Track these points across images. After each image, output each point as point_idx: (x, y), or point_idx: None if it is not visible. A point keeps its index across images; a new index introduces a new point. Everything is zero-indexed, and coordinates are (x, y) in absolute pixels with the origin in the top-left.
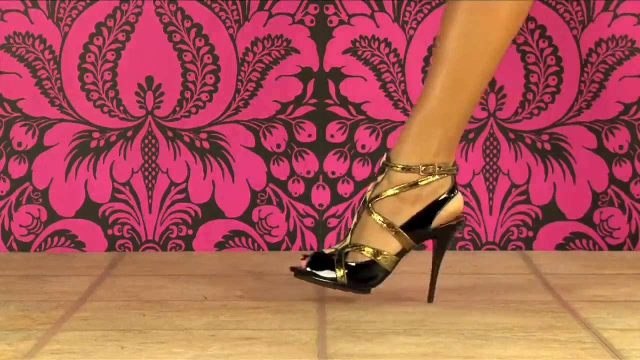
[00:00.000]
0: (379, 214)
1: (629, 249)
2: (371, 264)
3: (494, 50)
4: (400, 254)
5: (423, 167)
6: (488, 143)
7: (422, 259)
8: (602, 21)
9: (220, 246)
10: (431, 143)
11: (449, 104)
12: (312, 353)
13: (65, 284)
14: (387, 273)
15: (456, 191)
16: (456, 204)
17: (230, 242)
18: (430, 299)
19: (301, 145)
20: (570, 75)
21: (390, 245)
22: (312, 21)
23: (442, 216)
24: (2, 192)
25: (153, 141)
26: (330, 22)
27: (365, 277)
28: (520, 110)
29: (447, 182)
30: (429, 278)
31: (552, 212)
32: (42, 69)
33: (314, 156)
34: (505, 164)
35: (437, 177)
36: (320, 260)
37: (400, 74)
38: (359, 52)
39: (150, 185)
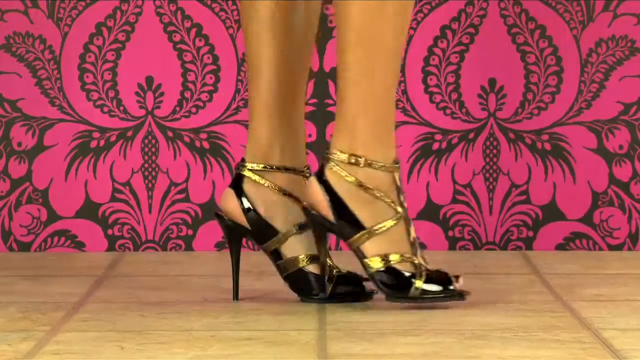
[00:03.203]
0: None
1: (629, 249)
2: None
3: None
4: None
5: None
6: (488, 143)
7: None
8: (602, 21)
9: (220, 246)
10: None
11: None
12: (312, 353)
13: (65, 285)
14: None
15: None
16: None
17: None
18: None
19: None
20: (570, 75)
21: None
22: None
23: None
24: (2, 192)
25: (153, 141)
26: (330, 22)
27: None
28: (520, 110)
29: None
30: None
31: (552, 212)
32: (42, 69)
33: (314, 156)
34: (505, 164)
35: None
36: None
37: (400, 74)
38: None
39: (150, 185)
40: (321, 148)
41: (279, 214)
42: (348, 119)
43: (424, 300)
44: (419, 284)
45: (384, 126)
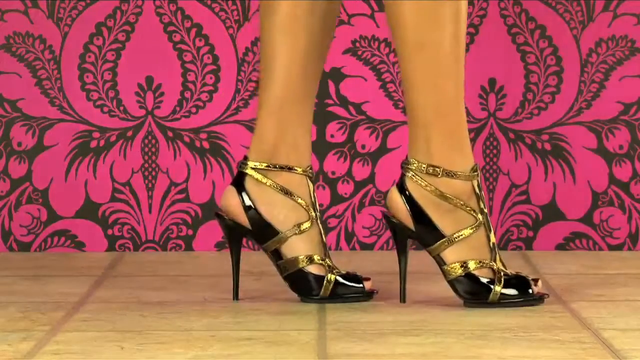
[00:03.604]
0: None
1: (629, 249)
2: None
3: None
4: None
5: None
6: (488, 143)
7: (420, 259)
8: (602, 21)
9: (220, 246)
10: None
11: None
12: (312, 353)
13: (65, 285)
14: None
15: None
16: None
17: None
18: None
19: None
20: (570, 75)
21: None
22: None
23: None
24: (2, 192)
25: (153, 141)
26: None
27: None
28: (520, 110)
29: None
30: (428, 278)
31: (552, 212)
32: (42, 69)
33: (314, 156)
34: (505, 164)
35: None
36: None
37: (400, 74)
38: (359, 52)
39: (150, 185)
40: (321, 148)
41: (280, 214)
42: (421, 128)
43: (503, 305)
44: (497, 289)
45: (457, 134)
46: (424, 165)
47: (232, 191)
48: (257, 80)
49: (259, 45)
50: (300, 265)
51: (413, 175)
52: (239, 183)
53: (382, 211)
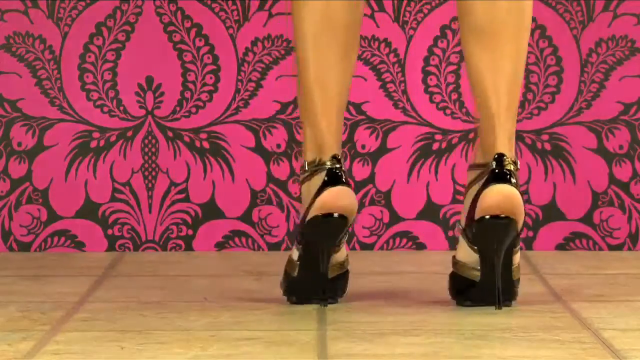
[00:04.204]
0: None
1: (629, 249)
2: None
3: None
4: None
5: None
6: None
7: (421, 259)
8: (602, 21)
9: (220, 246)
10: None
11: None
12: (312, 353)
13: (65, 284)
14: None
15: None
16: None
17: (230, 242)
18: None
19: (301, 145)
20: (570, 75)
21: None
22: None
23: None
24: (2, 192)
25: (153, 141)
26: None
27: None
28: (520, 110)
29: None
30: (428, 278)
31: (552, 212)
32: (42, 69)
33: None
34: None
35: None
36: None
37: (400, 74)
38: (359, 52)
39: (150, 185)
40: None
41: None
42: (511, 127)
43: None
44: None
45: None
46: (516, 163)
47: (348, 190)
48: (256, 80)
49: (295, 58)
50: (348, 266)
51: (515, 171)
52: (345, 182)
53: (493, 215)
